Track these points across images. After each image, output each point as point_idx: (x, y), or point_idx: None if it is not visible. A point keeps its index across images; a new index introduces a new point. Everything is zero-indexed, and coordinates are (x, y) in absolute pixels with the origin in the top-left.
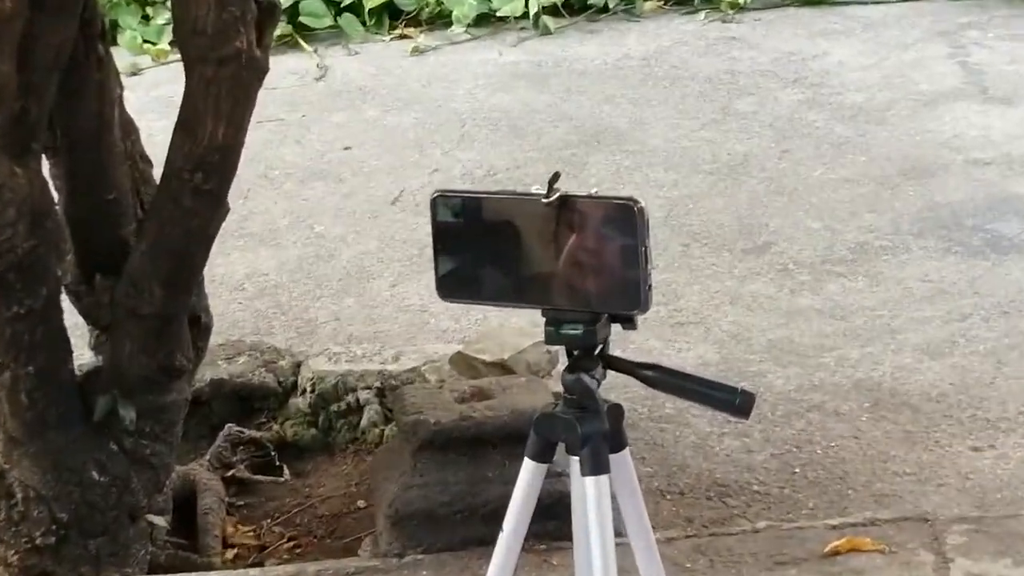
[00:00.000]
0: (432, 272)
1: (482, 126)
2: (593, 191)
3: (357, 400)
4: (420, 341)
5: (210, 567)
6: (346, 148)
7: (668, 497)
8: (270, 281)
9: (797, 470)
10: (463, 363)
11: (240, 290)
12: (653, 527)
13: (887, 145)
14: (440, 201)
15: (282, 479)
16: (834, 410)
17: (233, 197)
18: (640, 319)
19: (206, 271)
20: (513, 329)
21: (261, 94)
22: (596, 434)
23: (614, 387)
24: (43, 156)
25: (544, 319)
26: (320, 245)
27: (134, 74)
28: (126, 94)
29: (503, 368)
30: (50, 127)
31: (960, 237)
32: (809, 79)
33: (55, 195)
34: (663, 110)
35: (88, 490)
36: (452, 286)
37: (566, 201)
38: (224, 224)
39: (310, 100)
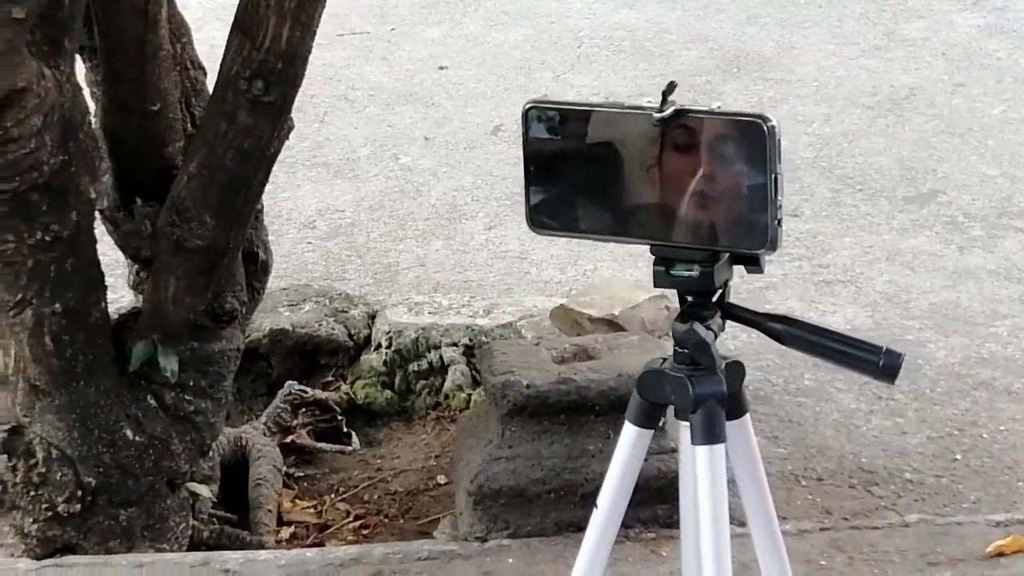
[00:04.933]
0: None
1: (601, 46)
2: (715, 106)
3: (440, 359)
4: (518, 293)
5: (260, 546)
6: (441, 68)
7: (804, 483)
8: (346, 219)
9: (958, 457)
10: (566, 318)
11: (310, 228)
12: (784, 517)
13: None
14: (534, 113)
15: (350, 448)
16: (1005, 388)
17: (308, 121)
18: (779, 273)
19: (271, 206)
20: (626, 281)
21: (344, 3)
22: (711, 396)
23: (743, 354)
24: (78, 58)
25: (653, 257)
26: (405, 179)
27: None
28: None
29: (612, 325)
30: (87, 24)
31: None
32: (992, 1)
33: (90, 104)
34: (816, 33)
35: (120, 451)
36: (546, 215)
37: (682, 116)
38: (296, 151)
39: (401, 11)
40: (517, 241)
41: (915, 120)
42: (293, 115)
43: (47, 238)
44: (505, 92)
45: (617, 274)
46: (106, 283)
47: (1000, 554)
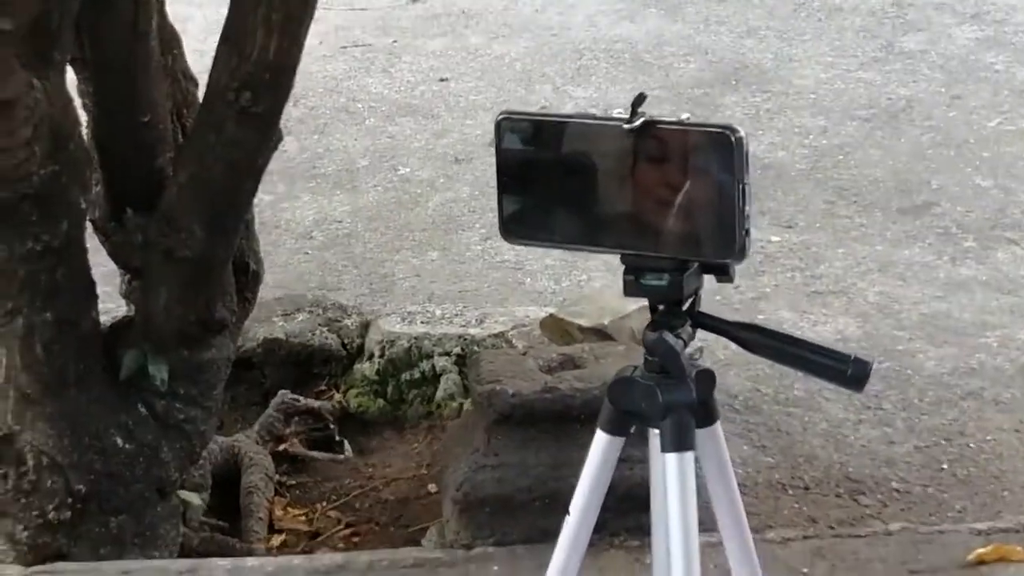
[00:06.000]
0: None
1: (601, 59)
2: (684, 116)
3: (433, 368)
4: (511, 303)
5: (250, 554)
6: (442, 80)
7: (791, 492)
8: (343, 229)
9: (945, 466)
10: (556, 328)
11: (308, 238)
12: (770, 525)
13: None
14: (506, 124)
15: (342, 456)
16: (994, 398)
17: (307, 133)
18: (771, 284)
19: (270, 216)
20: (617, 292)
21: (348, 16)
22: (680, 404)
23: (733, 363)
24: (69, 69)
25: (623, 266)
26: (404, 190)
27: None
28: (191, 11)
29: (602, 335)
30: (77, 36)
31: None
32: (991, 14)
33: (81, 115)
34: (815, 46)
35: (111, 459)
36: (518, 225)
37: (652, 127)
38: (296, 162)
39: (404, 24)
40: (512, 252)
41: (911, 132)
42: (293, 126)
43: (38, 248)
44: (504, 104)
45: (610, 284)
46: (97, 292)
47: (981, 562)
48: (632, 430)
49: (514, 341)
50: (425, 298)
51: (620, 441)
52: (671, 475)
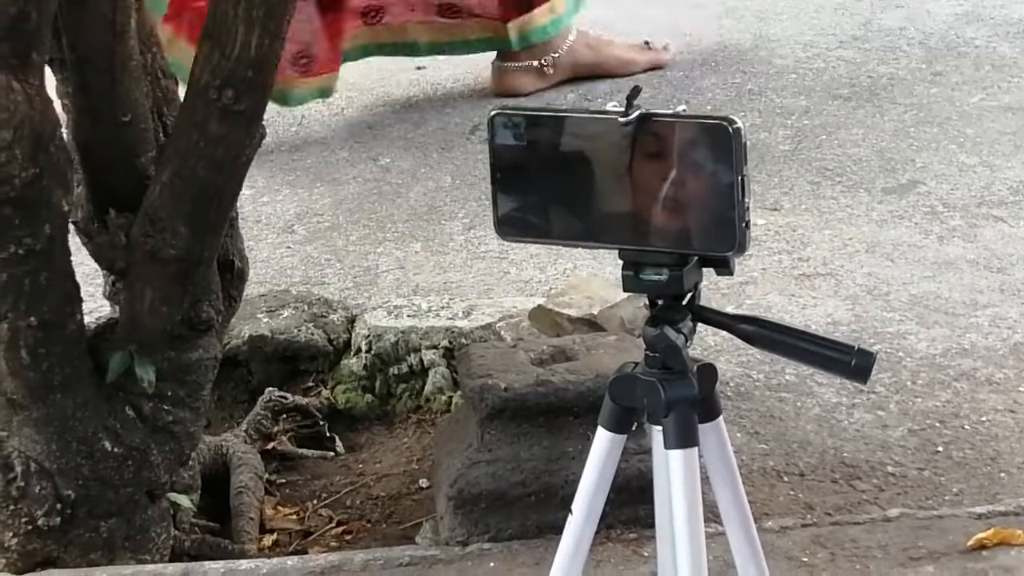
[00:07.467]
0: None
1: None
2: (680, 109)
3: (421, 362)
4: (497, 294)
5: (243, 555)
6: (419, 68)
7: (786, 479)
8: (325, 222)
9: (940, 449)
10: (545, 319)
11: (289, 232)
12: (767, 514)
13: None
14: (499, 120)
15: (332, 453)
16: (987, 378)
17: (285, 125)
18: (759, 268)
19: (251, 211)
20: (605, 280)
21: None
22: (683, 399)
23: (724, 350)
24: (48, 70)
25: (621, 262)
26: (385, 181)
27: None
28: None
29: (591, 325)
30: (56, 36)
31: None
32: None
33: (62, 117)
34: (794, 25)
35: (99, 463)
36: (514, 223)
37: (648, 121)
38: (274, 156)
39: None
40: (496, 241)
41: (893, 110)
42: (270, 118)
43: (21, 252)
44: (483, 92)
45: (596, 273)
46: (81, 295)
47: (982, 547)
48: (633, 426)
49: (502, 333)
50: (410, 290)
51: (622, 438)
52: (675, 472)
